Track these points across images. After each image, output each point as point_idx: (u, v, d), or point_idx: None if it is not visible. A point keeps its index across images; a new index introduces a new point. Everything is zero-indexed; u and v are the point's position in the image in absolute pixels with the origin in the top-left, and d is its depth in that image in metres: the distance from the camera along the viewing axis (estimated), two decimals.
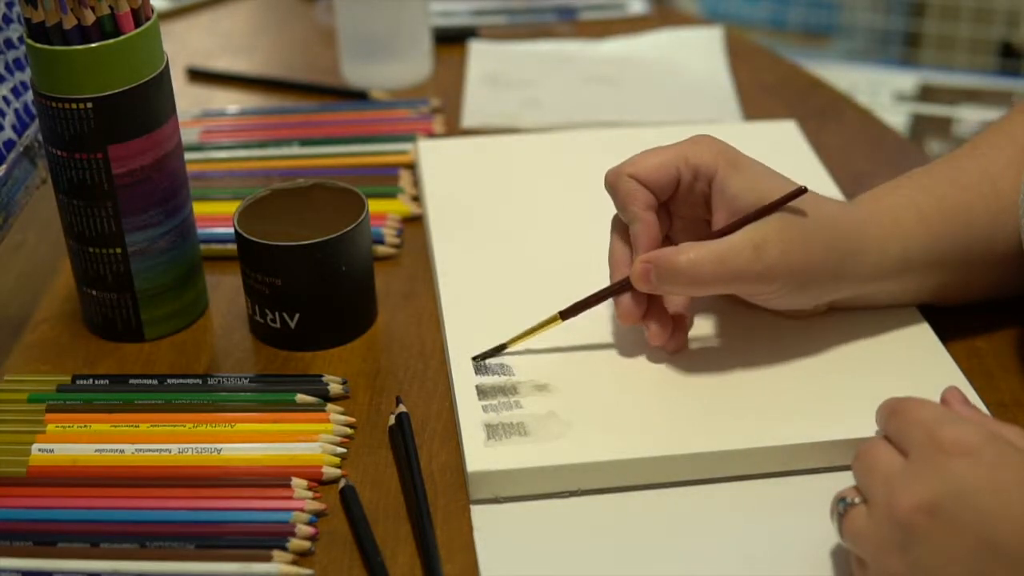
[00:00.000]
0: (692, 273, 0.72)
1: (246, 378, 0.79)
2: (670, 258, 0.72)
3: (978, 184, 0.77)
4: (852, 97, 1.17)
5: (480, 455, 0.70)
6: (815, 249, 0.73)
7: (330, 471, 0.72)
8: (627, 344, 0.78)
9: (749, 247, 0.71)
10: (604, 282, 0.78)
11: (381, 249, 0.91)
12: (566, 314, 0.76)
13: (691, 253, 0.72)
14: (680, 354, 0.77)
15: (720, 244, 0.72)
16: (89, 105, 0.75)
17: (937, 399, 0.65)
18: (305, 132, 1.08)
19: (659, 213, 0.75)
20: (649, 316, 0.75)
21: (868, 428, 0.66)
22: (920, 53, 2.34)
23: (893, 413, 0.61)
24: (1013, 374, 0.78)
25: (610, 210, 0.79)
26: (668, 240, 0.77)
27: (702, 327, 0.79)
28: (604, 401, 0.74)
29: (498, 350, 0.77)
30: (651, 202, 0.75)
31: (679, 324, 0.76)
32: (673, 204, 0.76)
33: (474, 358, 0.77)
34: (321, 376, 0.79)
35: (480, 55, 1.22)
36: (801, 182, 0.75)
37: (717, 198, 0.74)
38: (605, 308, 0.77)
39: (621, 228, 0.77)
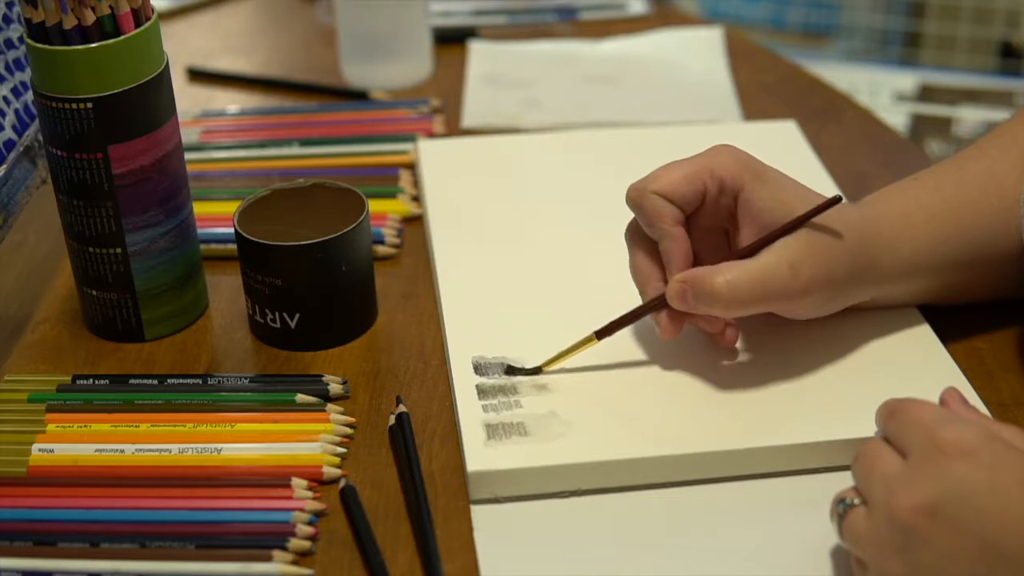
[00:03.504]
0: (730, 296, 0.71)
1: (246, 378, 0.79)
2: (707, 280, 0.71)
3: (983, 184, 0.77)
4: (852, 97, 1.17)
5: (480, 455, 0.70)
6: (841, 260, 0.73)
7: (330, 471, 0.72)
8: (627, 344, 0.78)
9: (785, 266, 0.71)
10: (604, 280, 0.78)
11: (381, 249, 0.91)
12: (601, 334, 0.75)
13: (728, 275, 0.71)
14: (680, 354, 0.77)
15: (756, 264, 0.71)
16: (89, 105, 0.75)
17: (937, 399, 0.65)
18: (305, 132, 1.08)
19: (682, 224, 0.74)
20: (694, 318, 0.75)
21: (868, 428, 0.66)
22: (920, 53, 2.34)
23: (892, 414, 0.61)
24: (1013, 374, 0.78)
25: (609, 210, 0.79)
26: None
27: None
28: (604, 401, 0.74)
29: (534, 372, 0.76)
30: (679, 218, 0.74)
31: (723, 326, 0.76)
32: (696, 217, 0.75)
33: (506, 371, 0.76)
34: (321, 376, 0.79)
35: (480, 55, 1.22)
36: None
37: (743, 213, 0.73)
38: (606, 308, 0.76)
39: (643, 242, 0.76)
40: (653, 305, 0.75)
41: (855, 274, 0.74)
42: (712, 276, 0.71)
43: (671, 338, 0.75)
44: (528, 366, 0.76)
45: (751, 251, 0.72)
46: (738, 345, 0.78)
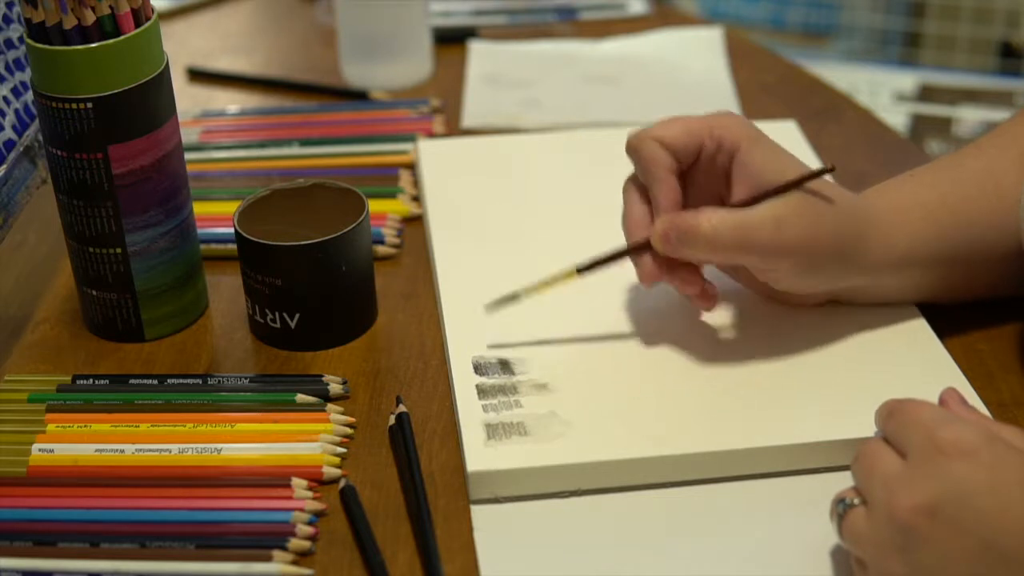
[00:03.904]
0: (712, 238, 0.72)
1: (246, 378, 0.79)
2: (691, 221, 0.72)
3: (981, 182, 0.77)
4: (852, 97, 1.17)
5: (480, 455, 0.70)
6: (828, 228, 0.73)
7: (330, 471, 0.72)
8: (627, 344, 0.78)
9: (770, 220, 0.72)
10: (603, 280, 0.78)
11: (381, 249, 0.91)
12: (583, 269, 0.76)
13: (713, 219, 0.72)
14: (680, 354, 0.77)
15: (742, 212, 0.72)
16: (89, 105, 0.75)
17: (937, 399, 0.65)
18: (305, 132, 1.08)
19: (677, 177, 0.76)
20: (674, 270, 0.76)
21: (868, 428, 0.66)
22: (920, 53, 2.34)
23: (892, 414, 0.61)
24: (1013, 374, 0.78)
25: (610, 209, 0.79)
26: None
27: (702, 327, 0.79)
28: (604, 401, 0.74)
29: (511, 299, 0.76)
30: (673, 166, 0.75)
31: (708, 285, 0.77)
32: (691, 173, 0.76)
33: (487, 306, 0.76)
34: (321, 376, 0.79)
35: (480, 55, 1.22)
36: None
37: (738, 171, 0.74)
38: (606, 306, 0.76)
39: (638, 188, 0.77)
40: (637, 247, 0.76)
41: (841, 250, 0.74)
42: (696, 218, 0.72)
43: (649, 284, 0.76)
44: (527, 369, 0.76)
45: (741, 207, 0.73)
46: (738, 345, 0.78)
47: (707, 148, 0.75)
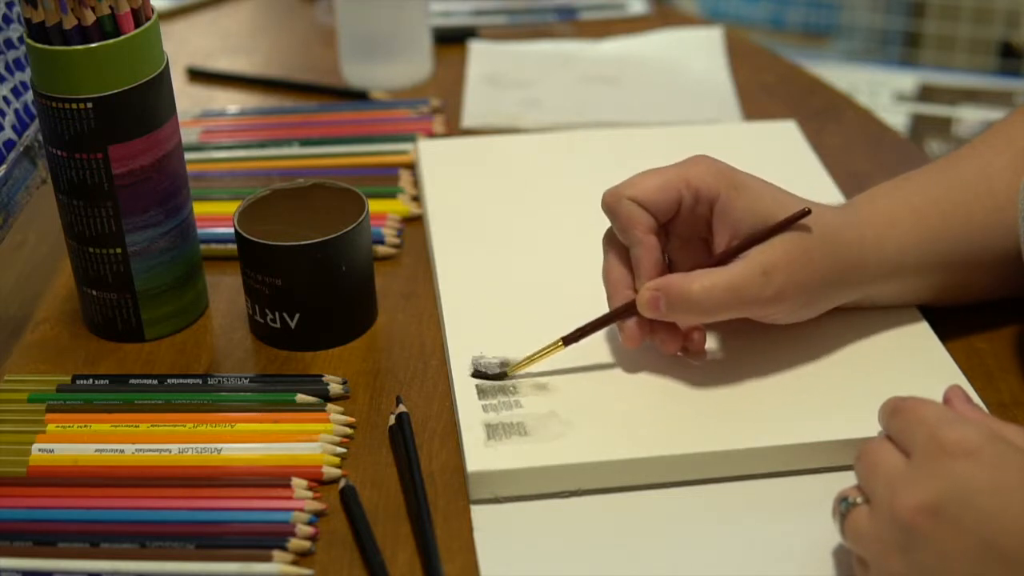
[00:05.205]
0: (704, 302, 0.71)
1: (246, 378, 0.79)
2: (682, 287, 0.71)
3: (975, 184, 0.77)
4: (852, 97, 1.17)
5: (480, 455, 0.70)
6: (819, 266, 0.73)
7: (330, 471, 0.72)
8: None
9: (759, 273, 0.71)
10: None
11: (381, 249, 0.91)
12: (569, 340, 0.76)
13: (704, 281, 0.71)
14: (681, 356, 0.77)
15: (730, 271, 0.71)
16: (89, 105, 0.75)
17: (937, 399, 0.65)
18: (305, 132, 1.08)
19: (657, 233, 0.75)
20: (656, 331, 0.75)
21: (868, 428, 0.66)
22: (920, 53, 2.34)
23: (895, 412, 0.61)
24: (1013, 374, 0.78)
25: None
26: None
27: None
28: (604, 401, 0.74)
29: (499, 377, 0.76)
30: (652, 225, 0.74)
31: (690, 333, 0.76)
32: (672, 224, 0.75)
33: (473, 375, 0.76)
34: (321, 376, 0.79)
35: (480, 55, 1.22)
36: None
37: (719, 221, 0.73)
38: (605, 309, 0.76)
39: (617, 247, 0.76)
40: (622, 312, 0.75)
41: (835, 279, 0.74)
42: (688, 283, 0.71)
43: (634, 347, 0.75)
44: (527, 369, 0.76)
45: (724, 258, 0.73)
46: (739, 345, 0.78)
47: (685, 200, 0.74)
